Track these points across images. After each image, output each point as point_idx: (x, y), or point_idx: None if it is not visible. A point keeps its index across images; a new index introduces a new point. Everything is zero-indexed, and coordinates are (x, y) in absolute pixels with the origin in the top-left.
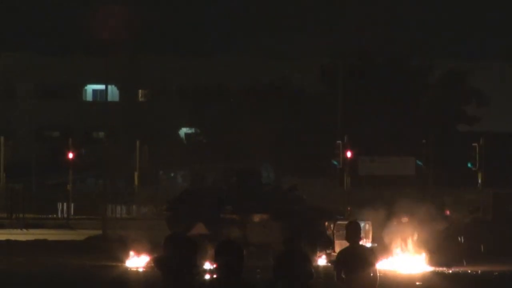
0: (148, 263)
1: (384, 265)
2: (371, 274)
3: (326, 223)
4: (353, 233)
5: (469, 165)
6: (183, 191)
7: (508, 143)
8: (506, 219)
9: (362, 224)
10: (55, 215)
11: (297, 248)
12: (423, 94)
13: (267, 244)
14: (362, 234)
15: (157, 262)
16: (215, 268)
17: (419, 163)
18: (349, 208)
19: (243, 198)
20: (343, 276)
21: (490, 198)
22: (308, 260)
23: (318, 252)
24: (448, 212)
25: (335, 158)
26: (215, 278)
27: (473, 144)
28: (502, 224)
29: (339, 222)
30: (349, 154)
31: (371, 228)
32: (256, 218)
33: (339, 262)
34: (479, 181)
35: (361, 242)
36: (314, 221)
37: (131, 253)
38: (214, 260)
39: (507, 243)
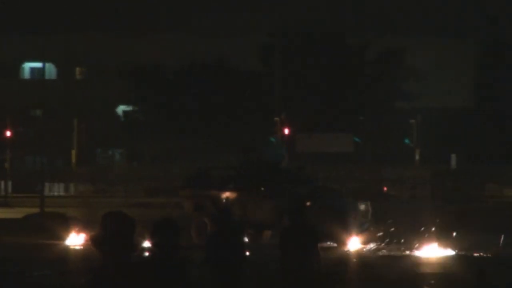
0: (86, 241)
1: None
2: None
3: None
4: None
5: (406, 141)
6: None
7: (446, 119)
8: (443, 194)
9: (360, 205)
10: None
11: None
12: (360, 72)
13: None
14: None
15: (94, 240)
16: (151, 246)
17: (357, 139)
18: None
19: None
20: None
21: (428, 175)
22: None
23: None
24: (385, 189)
25: (272, 135)
26: (150, 256)
27: (410, 121)
28: (439, 200)
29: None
30: (286, 131)
31: (370, 208)
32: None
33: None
34: (416, 157)
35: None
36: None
37: (70, 231)
38: (150, 238)
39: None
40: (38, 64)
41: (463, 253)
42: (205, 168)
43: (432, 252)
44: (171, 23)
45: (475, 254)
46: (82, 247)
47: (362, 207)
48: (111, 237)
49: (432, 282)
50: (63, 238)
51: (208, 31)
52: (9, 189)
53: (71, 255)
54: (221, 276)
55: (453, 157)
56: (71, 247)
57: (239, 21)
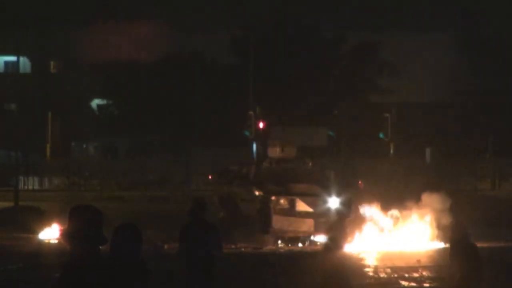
0: (60, 235)
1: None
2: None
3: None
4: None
5: (380, 135)
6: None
7: (421, 113)
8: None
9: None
10: None
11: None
12: (335, 65)
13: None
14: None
15: (64, 235)
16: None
17: (331, 133)
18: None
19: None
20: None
21: (402, 169)
22: (214, 230)
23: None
24: (360, 183)
25: (247, 129)
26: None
27: (385, 115)
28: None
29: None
30: (261, 124)
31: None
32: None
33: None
34: (391, 151)
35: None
36: None
37: (44, 224)
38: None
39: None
40: (12, 58)
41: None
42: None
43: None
44: (146, 17)
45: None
46: (56, 241)
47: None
48: (80, 230)
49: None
50: (37, 232)
51: (183, 25)
52: None
53: (45, 249)
54: (192, 270)
55: (428, 151)
56: (45, 241)
57: (215, 15)
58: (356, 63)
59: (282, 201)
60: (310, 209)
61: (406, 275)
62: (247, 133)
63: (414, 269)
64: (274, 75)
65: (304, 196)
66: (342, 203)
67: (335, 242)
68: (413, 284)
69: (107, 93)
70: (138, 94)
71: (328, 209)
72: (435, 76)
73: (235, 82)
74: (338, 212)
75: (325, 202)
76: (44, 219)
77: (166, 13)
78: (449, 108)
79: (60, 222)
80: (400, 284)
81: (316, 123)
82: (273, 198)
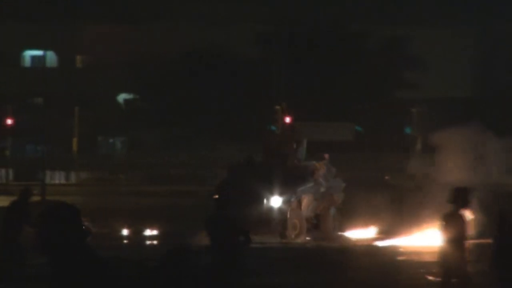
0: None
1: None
2: None
3: None
4: None
5: (407, 130)
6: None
7: (447, 109)
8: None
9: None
10: None
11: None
12: (362, 61)
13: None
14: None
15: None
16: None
17: (358, 128)
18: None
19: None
20: None
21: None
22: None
23: None
24: (387, 178)
25: (273, 124)
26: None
27: (412, 110)
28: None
29: None
30: (288, 119)
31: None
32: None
33: None
34: (418, 146)
35: None
36: None
37: None
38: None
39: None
40: (39, 52)
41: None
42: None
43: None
44: (169, 12)
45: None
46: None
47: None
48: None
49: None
50: None
51: (206, 20)
52: (10, 177)
53: None
54: (220, 260)
55: None
56: None
57: (238, 9)
58: (383, 58)
59: None
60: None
61: (433, 270)
62: (273, 128)
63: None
64: (301, 70)
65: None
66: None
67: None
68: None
69: (133, 88)
70: (164, 89)
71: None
72: (461, 70)
73: (261, 77)
74: None
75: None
76: None
77: (192, 8)
78: (476, 102)
79: (87, 217)
80: (426, 279)
81: (342, 118)
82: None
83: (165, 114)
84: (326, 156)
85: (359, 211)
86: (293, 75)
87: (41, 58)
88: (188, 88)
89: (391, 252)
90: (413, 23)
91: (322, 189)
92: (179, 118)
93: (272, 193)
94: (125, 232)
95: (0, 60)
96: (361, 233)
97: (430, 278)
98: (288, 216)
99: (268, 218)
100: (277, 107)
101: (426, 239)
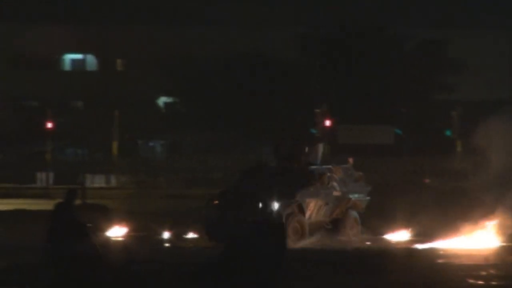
0: (128, 232)
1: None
2: None
3: None
4: None
5: (447, 133)
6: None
7: (487, 111)
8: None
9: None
10: (34, 185)
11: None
12: (401, 63)
13: None
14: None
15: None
16: None
17: (398, 131)
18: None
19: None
20: None
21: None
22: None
23: None
24: (427, 181)
25: (313, 127)
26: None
27: (452, 112)
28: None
29: None
30: (328, 122)
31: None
32: None
33: None
34: (458, 149)
35: None
36: None
37: (112, 222)
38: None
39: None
40: (78, 56)
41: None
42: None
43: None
44: (208, 15)
45: None
46: (123, 238)
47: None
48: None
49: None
50: (104, 230)
51: (245, 23)
52: (50, 181)
53: (112, 247)
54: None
55: None
56: (113, 238)
57: (276, 12)
58: (422, 61)
59: None
60: None
61: (473, 273)
62: (313, 131)
63: (482, 267)
64: (340, 73)
65: None
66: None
67: None
68: (481, 282)
69: (174, 91)
70: (204, 92)
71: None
72: (500, 73)
73: (300, 80)
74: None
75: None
76: (111, 217)
77: (230, 11)
78: None
79: (127, 220)
80: (467, 282)
81: (382, 121)
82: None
83: (205, 117)
84: (350, 160)
85: (398, 214)
86: (332, 78)
87: (81, 62)
88: (228, 92)
89: (431, 255)
90: (452, 25)
91: (337, 193)
92: (219, 121)
93: (269, 197)
94: (165, 235)
95: (40, 64)
96: (400, 236)
97: (471, 281)
98: (286, 220)
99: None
100: (317, 110)
101: (466, 242)
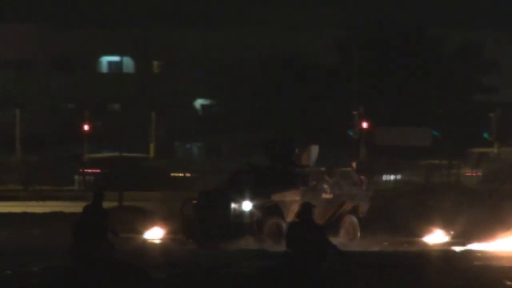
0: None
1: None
2: None
3: None
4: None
5: (485, 135)
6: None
7: None
8: None
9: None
10: (71, 187)
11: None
12: (438, 65)
13: None
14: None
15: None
16: None
17: (435, 133)
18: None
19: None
20: None
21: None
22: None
23: None
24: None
25: (351, 129)
26: None
27: (490, 114)
28: None
29: None
30: (365, 124)
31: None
32: None
33: None
34: (495, 150)
35: None
36: None
37: (149, 224)
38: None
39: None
40: (115, 58)
41: None
42: None
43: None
44: (246, 17)
45: None
46: (160, 241)
47: None
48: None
49: None
50: (141, 232)
51: (283, 25)
52: (88, 183)
53: (150, 248)
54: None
55: None
56: (150, 241)
57: (315, 14)
58: (459, 62)
59: None
60: None
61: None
62: (351, 133)
63: None
64: (377, 75)
65: None
66: None
67: None
68: None
69: (210, 93)
70: (241, 94)
71: None
72: None
73: (338, 82)
74: None
75: None
76: (148, 219)
77: (269, 13)
78: None
79: (164, 222)
80: (505, 284)
81: (419, 123)
82: None
83: (242, 119)
84: (353, 164)
85: (435, 216)
86: (369, 80)
87: (118, 64)
88: (265, 94)
89: (468, 257)
90: (489, 26)
91: (327, 196)
92: (256, 123)
93: (243, 198)
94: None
95: (77, 66)
96: (437, 238)
97: (508, 283)
98: (260, 221)
99: (236, 223)
100: (355, 112)
101: (504, 244)
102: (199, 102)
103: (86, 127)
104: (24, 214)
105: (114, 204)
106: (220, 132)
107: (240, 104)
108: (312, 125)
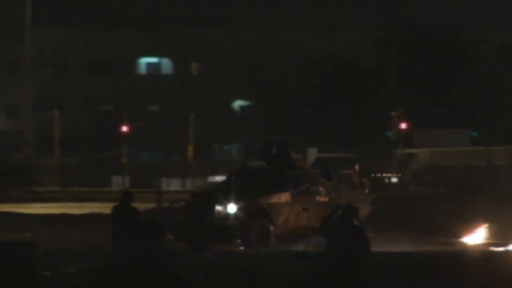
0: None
1: None
2: None
3: None
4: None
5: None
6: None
7: None
8: None
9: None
10: (109, 189)
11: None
12: (476, 66)
13: None
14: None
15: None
16: None
17: (474, 134)
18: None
19: None
20: None
21: None
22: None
23: None
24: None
25: (389, 130)
26: None
27: None
28: None
29: None
30: (403, 125)
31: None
32: None
33: None
34: None
35: None
36: None
37: None
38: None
39: None
40: (154, 59)
41: None
42: None
43: None
44: (284, 18)
45: None
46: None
47: None
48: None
49: None
50: None
51: (320, 26)
52: (126, 185)
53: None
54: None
55: None
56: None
57: (351, 15)
58: (499, 63)
59: None
60: None
61: None
62: (389, 134)
63: None
64: (415, 76)
65: None
66: None
67: None
68: None
69: (249, 95)
70: (279, 96)
71: None
72: None
73: (376, 83)
74: None
75: None
76: None
77: (305, 14)
78: None
79: None
80: None
81: (458, 124)
82: None
83: (280, 120)
84: (356, 167)
85: (475, 217)
86: (407, 81)
87: (157, 65)
88: (303, 95)
89: (508, 258)
90: None
91: (322, 199)
92: (293, 124)
93: (229, 200)
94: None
95: (116, 68)
96: (476, 239)
97: None
98: (246, 223)
99: (221, 225)
100: (393, 113)
101: None
102: (237, 104)
103: (124, 129)
104: (63, 215)
105: (153, 205)
106: (258, 133)
107: (277, 105)
108: (351, 126)
